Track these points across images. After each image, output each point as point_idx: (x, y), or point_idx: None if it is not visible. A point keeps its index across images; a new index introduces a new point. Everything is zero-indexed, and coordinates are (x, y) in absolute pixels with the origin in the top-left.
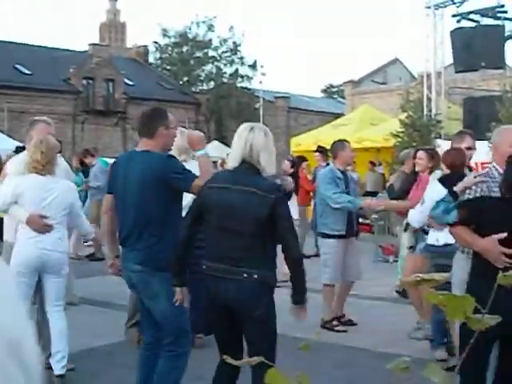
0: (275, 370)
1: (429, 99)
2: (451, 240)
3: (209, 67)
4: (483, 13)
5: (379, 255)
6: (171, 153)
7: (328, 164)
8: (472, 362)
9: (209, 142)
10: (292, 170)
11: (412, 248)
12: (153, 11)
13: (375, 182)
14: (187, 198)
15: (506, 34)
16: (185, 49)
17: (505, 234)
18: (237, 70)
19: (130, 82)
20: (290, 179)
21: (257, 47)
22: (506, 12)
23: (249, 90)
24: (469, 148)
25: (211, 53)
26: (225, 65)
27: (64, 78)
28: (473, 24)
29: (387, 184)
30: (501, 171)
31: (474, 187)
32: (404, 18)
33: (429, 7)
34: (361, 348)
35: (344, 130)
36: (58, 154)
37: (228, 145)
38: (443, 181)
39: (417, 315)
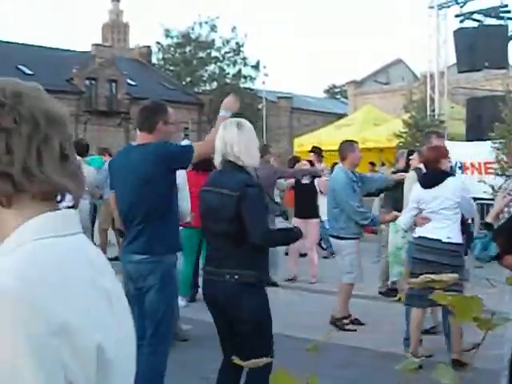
0: (283, 371)
1: (432, 99)
2: (424, 233)
3: (211, 68)
4: (486, 13)
5: (382, 255)
6: None
7: (335, 164)
8: None
9: None
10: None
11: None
12: (155, 12)
13: None
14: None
15: (510, 33)
16: (187, 49)
17: None
18: (239, 70)
19: (133, 83)
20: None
21: (259, 48)
22: (509, 12)
23: (251, 90)
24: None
25: (214, 53)
26: (227, 65)
27: (67, 78)
28: (476, 24)
29: None
30: None
31: (506, 209)
32: (407, 18)
33: (432, 7)
34: (364, 348)
35: (347, 130)
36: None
37: None
38: (419, 180)
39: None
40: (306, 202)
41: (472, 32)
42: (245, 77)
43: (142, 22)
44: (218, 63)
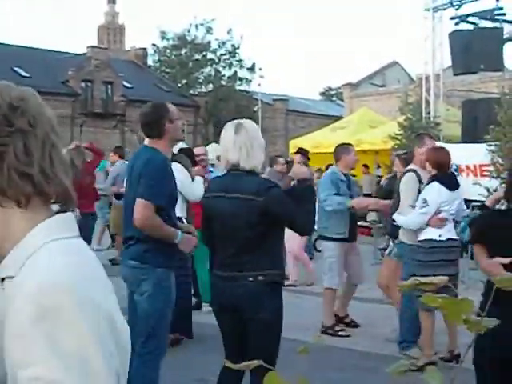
0: (274, 373)
1: (427, 102)
2: (451, 235)
3: (207, 70)
4: (482, 15)
5: (378, 258)
6: None
7: (329, 166)
8: None
9: (207, 145)
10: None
11: (385, 250)
12: (151, 14)
13: (370, 184)
14: None
15: (505, 36)
16: (183, 51)
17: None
18: (235, 72)
19: (129, 85)
20: None
21: (255, 50)
22: (504, 14)
23: (247, 92)
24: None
25: (210, 55)
26: (223, 67)
27: (62, 80)
28: (471, 26)
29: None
30: None
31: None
32: (403, 20)
33: (428, 10)
34: (358, 350)
35: (342, 132)
36: None
37: None
38: (442, 182)
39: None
40: None
41: (467, 34)
42: (240, 79)
43: (137, 23)
44: (214, 65)
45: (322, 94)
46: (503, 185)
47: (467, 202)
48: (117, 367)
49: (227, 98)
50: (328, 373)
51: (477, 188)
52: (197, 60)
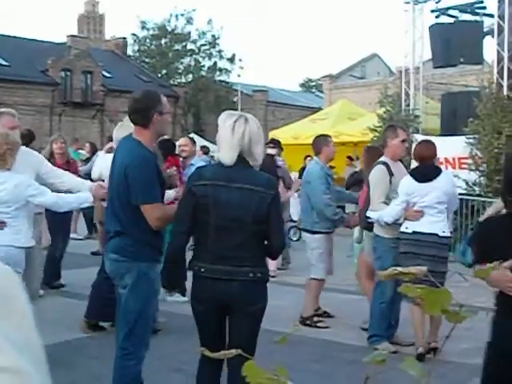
0: (252, 363)
1: (407, 94)
2: (420, 228)
3: (187, 60)
4: (462, 8)
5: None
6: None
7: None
8: None
9: (187, 135)
10: None
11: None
12: (132, 3)
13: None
14: None
15: (485, 29)
16: (163, 41)
17: (509, 263)
18: (215, 63)
19: (108, 75)
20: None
21: (235, 41)
22: (484, 8)
23: (227, 83)
24: (403, 141)
25: (190, 46)
26: (203, 58)
27: (42, 69)
28: (451, 20)
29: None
30: None
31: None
32: (383, 12)
33: (408, 2)
34: (337, 342)
35: (322, 124)
36: (23, 147)
37: (205, 138)
38: (412, 174)
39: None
40: None
41: (447, 28)
42: (220, 70)
43: (117, 13)
44: (194, 56)
45: (302, 85)
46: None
47: None
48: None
49: (207, 88)
50: (306, 364)
51: (455, 180)
52: (177, 50)
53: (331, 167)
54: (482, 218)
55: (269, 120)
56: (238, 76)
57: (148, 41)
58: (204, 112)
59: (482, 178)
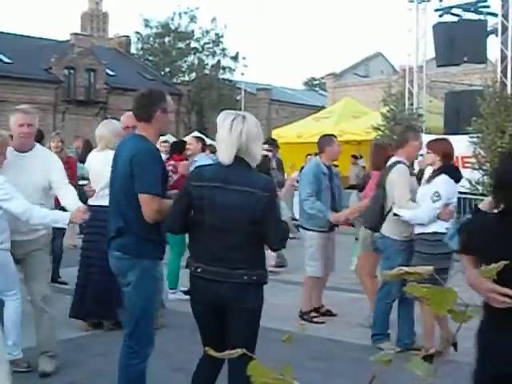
0: (257, 363)
1: (410, 93)
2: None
3: (191, 58)
4: (465, 7)
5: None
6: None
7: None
8: None
9: (190, 133)
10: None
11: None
12: (135, 1)
13: (357, 175)
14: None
15: (488, 28)
16: (167, 39)
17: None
18: (219, 61)
19: (112, 73)
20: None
21: (239, 39)
22: (488, 7)
23: (230, 81)
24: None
25: (193, 44)
26: (207, 56)
27: (45, 67)
28: (455, 18)
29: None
30: None
31: None
32: (387, 11)
33: (412, 1)
34: (340, 340)
35: (325, 122)
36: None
37: (209, 136)
38: (449, 174)
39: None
40: None
41: (451, 26)
42: (224, 68)
43: (121, 11)
44: (197, 54)
45: (306, 83)
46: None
47: None
48: None
49: (210, 86)
50: (309, 362)
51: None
52: (180, 48)
53: (335, 166)
54: (481, 204)
55: (272, 118)
56: (242, 74)
57: (151, 39)
58: (207, 110)
59: (485, 177)
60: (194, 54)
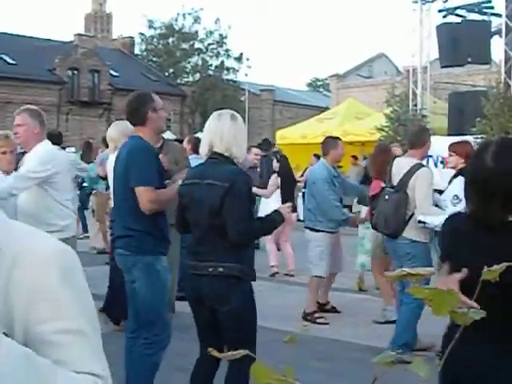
0: (260, 363)
1: (414, 94)
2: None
3: (195, 59)
4: (469, 8)
5: None
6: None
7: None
8: None
9: (194, 134)
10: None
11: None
12: (139, 2)
13: (357, 175)
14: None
15: (492, 29)
16: (171, 40)
17: (460, 275)
18: (222, 62)
19: (116, 73)
20: None
21: (243, 40)
22: (492, 8)
23: (234, 82)
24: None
25: (197, 45)
26: (211, 57)
27: (49, 68)
28: (459, 19)
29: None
30: None
31: None
32: (391, 12)
33: (416, 2)
34: (344, 341)
35: (329, 123)
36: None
37: None
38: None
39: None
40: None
41: (455, 27)
42: (228, 69)
43: (125, 12)
44: (201, 55)
45: (309, 84)
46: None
47: None
48: None
49: (214, 87)
50: (312, 363)
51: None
52: (184, 49)
53: (339, 167)
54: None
55: (276, 119)
56: (246, 75)
57: (155, 40)
58: (211, 111)
59: None
60: (198, 54)
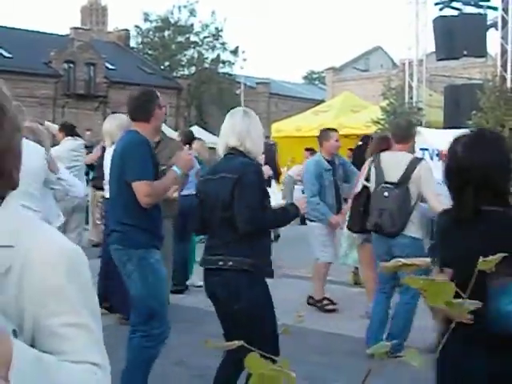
0: (255, 354)
1: (410, 87)
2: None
3: (190, 52)
4: (466, 1)
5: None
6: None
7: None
8: None
9: (189, 127)
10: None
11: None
12: None
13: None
14: None
15: (488, 22)
16: (166, 33)
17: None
18: (218, 55)
19: (112, 66)
20: None
21: (238, 33)
22: (488, 0)
23: (230, 75)
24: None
25: (193, 38)
26: (206, 50)
27: (45, 61)
28: (455, 12)
29: None
30: None
31: None
32: (387, 5)
33: None
34: (340, 334)
35: (324, 116)
36: None
37: (208, 130)
38: None
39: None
40: None
41: (451, 20)
42: (223, 62)
43: (120, 5)
44: (197, 48)
45: (305, 77)
46: None
47: None
48: None
49: (210, 80)
50: (308, 356)
51: None
52: (180, 42)
53: None
54: None
55: (272, 112)
56: (241, 68)
57: (151, 33)
58: (207, 104)
59: None
60: (194, 47)
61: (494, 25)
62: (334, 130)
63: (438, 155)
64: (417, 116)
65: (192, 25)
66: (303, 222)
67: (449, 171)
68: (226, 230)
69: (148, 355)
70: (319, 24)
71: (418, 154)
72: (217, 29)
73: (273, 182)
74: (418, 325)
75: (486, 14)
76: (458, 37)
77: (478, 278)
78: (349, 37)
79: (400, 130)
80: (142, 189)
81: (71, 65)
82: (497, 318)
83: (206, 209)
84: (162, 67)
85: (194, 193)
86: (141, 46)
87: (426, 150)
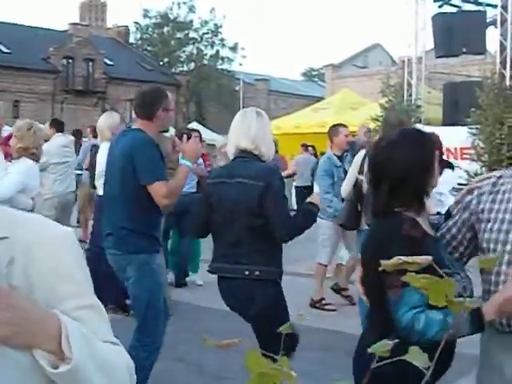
0: (255, 352)
1: (409, 84)
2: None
3: (189, 48)
4: None
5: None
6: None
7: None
8: None
9: (188, 124)
10: None
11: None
12: None
13: None
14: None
15: (488, 19)
16: (166, 30)
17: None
18: (217, 51)
19: (110, 62)
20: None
21: (238, 29)
22: None
23: (229, 72)
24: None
25: (192, 34)
26: (205, 46)
27: (44, 57)
28: (454, 9)
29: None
30: None
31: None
32: (386, 2)
33: None
34: (338, 331)
35: (323, 113)
36: None
37: (207, 126)
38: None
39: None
40: None
41: (450, 17)
42: (222, 58)
43: (120, 1)
44: (196, 44)
45: (304, 74)
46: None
47: None
48: None
49: (209, 77)
50: (307, 353)
51: (457, 171)
52: (179, 38)
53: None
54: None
55: (270, 109)
56: (240, 65)
57: (150, 29)
58: (206, 100)
59: (483, 169)
60: (193, 44)
61: (494, 22)
62: (343, 125)
63: None
64: (416, 113)
65: (191, 21)
66: None
67: (369, 167)
68: (253, 239)
69: (141, 364)
70: (318, 21)
71: None
72: (216, 25)
73: None
74: None
75: (485, 12)
76: (457, 34)
77: (378, 286)
78: (348, 34)
79: (389, 127)
80: (160, 190)
81: (70, 61)
82: (401, 329)
83: (219, 214)
84: (161, 63)
85: (193, 191)
86: (140, 42)
87: None
